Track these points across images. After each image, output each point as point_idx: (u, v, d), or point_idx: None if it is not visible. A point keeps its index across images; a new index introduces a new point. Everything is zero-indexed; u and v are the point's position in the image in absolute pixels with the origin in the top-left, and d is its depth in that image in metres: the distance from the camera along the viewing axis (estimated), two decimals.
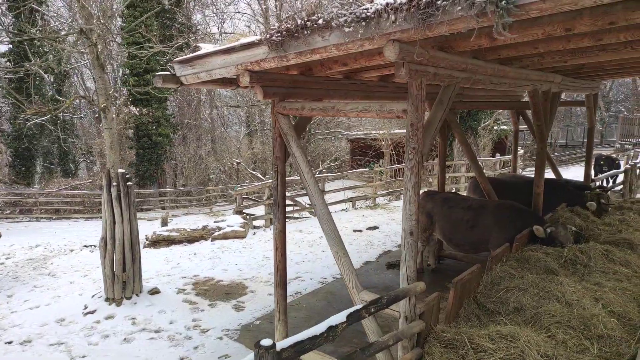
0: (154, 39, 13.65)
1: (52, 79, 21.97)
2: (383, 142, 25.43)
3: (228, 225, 11.15)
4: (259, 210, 12.90)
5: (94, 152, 26.16)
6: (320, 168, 33.74)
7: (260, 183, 12.15)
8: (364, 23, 3.45)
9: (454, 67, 4.37)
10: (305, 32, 3.90)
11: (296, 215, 13.82)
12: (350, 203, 15.44)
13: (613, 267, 5.90)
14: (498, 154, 20.30)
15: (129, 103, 19.30)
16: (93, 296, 7.17)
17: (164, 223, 12.51)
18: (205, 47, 4.92)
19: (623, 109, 38.76)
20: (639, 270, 5.90)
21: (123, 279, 6.96)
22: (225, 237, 10.95)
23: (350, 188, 15.07)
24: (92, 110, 20.44)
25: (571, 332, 4.41)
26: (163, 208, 21.48)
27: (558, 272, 5.68)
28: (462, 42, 4.10)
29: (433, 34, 3.37)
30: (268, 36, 4.13)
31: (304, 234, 11.43)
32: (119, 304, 6.86)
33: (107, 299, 6.92)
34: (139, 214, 21.03)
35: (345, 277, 4.70)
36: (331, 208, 15.26)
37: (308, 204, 14.75)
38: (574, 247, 6.18)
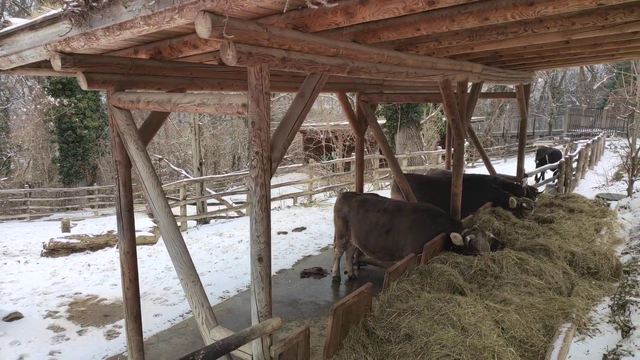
0: None
1: None
2: (330, 135, 24.69)
3: (136, 230, 10.03)
4: (178, 210, 11.82)
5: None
6: None
7: (174, 182, 11.06)
8: None
9: (318, 51, 3.53)
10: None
11: (223, 214, 12.82)
12: (292, 199, 14.58)
13: (525, 278, 5.31)
14: (440, 146, 19.93)
15: (46, 93, 17.56)
16: None
17: (65, 228, 11.25)
18: (15, 22, 3.87)
19: (575, 99, 39.64)
20: (552, 281, 5.33)
21: None
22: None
23: (283, 185, 14.17)
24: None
25: None
26: (92, 207, 19.94)
27: (462, 288, 5.03)
28: (316, 19, 3.25)
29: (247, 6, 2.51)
30: (65, 6, 3.15)
31: (222, 237, 10.48)
32: None
33: None
34: (58, 215, 19.49)
35: (194, 310, 3.82)
36: None
37: (235, 203, 13.79)
38: (486, 256, 5.58)
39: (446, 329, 4.14)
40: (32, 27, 3.59)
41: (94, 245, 9.98)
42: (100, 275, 8.07)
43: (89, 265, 8.73)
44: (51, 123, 19.46)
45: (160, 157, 16.15)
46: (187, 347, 5.57)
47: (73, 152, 19.70)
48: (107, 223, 17.13)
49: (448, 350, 3.85)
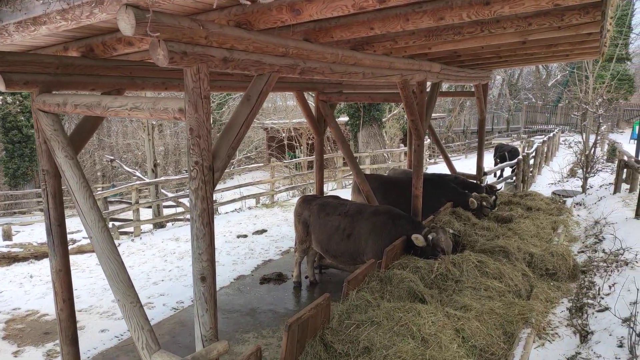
0: None
1: None
2: (293, 133, 24.39)
3: (84, 237, 9.46)
4: (131, 215, 11.23)
5: None
6: (239, 157, 32.10)
7: (126, 185, 10.48)
8: None
9: (265, 50, 3.25)
10: None
11: (180, 217, 12.32)
12: (254, 199, 14.20)
13: (485, 281, 5.24)
14: (402, 144, 20.02)
15: None
16: None
17: (7, 236, 10.50)
18: None
19: (531, 96, 40.86)
20: (511, 284, 5.29)
21: None
22: (80, 251, 9.28)
23: (244, 185, 13.78)
24: None
25: None
26: (42, 210, 18.84)
27: (422, 295, 4.90)
28: (260, 16, 2.98)
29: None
30: None
31: (179, 242, 10.03)
32: None
33: None
34: (10, 219, 18.34)
35: (133, 334, 3.48)
36: (223, 208, 13.89)
37: None
38: (447, 260, 5.48)
39: (406, 341, 3.99)
40: None
41: (38, 254, 9.32)
42: (43, 288, 7.51)
43: (31, 276, 8.12)
44: None
45: (112, 157, 15.35)
46: None
47: (19, 152, 18.52)
48: None
49: None
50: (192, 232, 3.02)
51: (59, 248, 3.91)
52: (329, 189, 15.92)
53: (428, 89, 7.08)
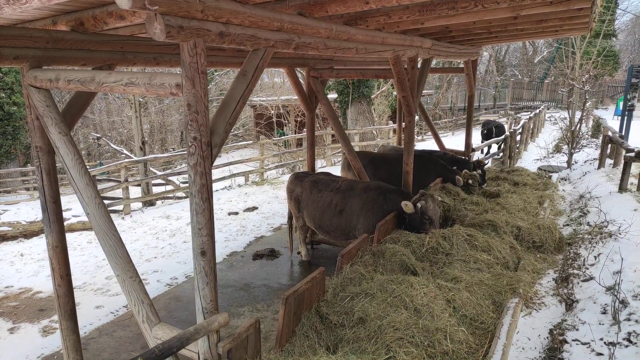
0: None
1: None
2: (281, 110, 24.23)
3: (74, 215, 9.41)
4: (120, 193, 11.16)
5: None
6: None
7: (115, 163, 10.37)
8: None
9: (260, 25, 3.23)
10: None
11: (170, 195, 12.28)
12: (244, 177, 14.19)
13: (475, 254, 5.39)
14: (391, 121, 20.04)
15: None
16: None
17: None
18: None
19: (517, 73, 40.98)
20: (499, 256, 5.44)
21: None
22: (70, 229, 9.23)
23: (233, 163, 13.74)
24: None
25: (414, 350, 3.70)
26: (27, 189, 18.60)
27: (414, 267, 5.04)
28: None
29: None
30: None
31: (170, 220, 10.03)
32: None
33: None
34: None
35: (133, 307, 3.54)
36: (213, 186, 13.96)
37: (182, 183, 13.26)
38: (437, 233, 5.61)
39: (399, 311, 4.11)
40: None
41: (27, 232, 9.27)
42: (34, 266, 7.50)
43: (22, 255, 8.09)
44: None
45: (99, 135, 15.12)
46: (132, 340, 5.28)
47: (1, 130, 18.11)
48: None
49: (401, 333, 3.82)
50: (191, 207, 3.05)
51: (55, 225, 3.90)
52: (318, 166, 15.95)
53: (419, 66, 7.09)
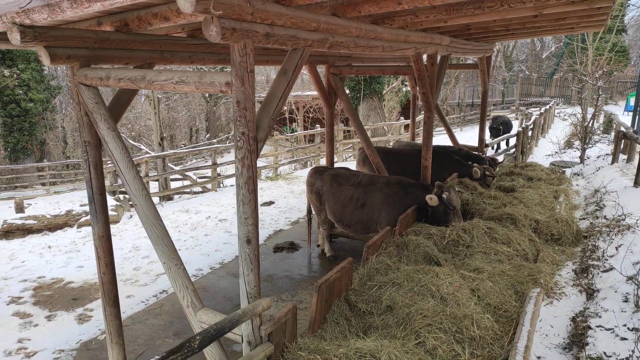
0: None
1: None
2: (293, 106, 24.40)
3: None
4: None
5: None
6: (233, 132, 31.98)
7: (136, 157, 10.60)
8: None
9: (300, 25, 3.41)
10: None
11: (187, 190, 12.51)
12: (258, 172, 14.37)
13: (495, 246, 5.56)
14: (402, 117, 20.15)
15: None
16: None
17: (20, 209, 10.65)
18: None
19: (524, 68, 40.84)
20: (519, 248, 5.61)
21: None
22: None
23: None
24: None
25: (442, 336, 3.88)
26: (43, 184, 18.92)
27: (437, 259, 5.21)
28: None
29: None
30: None
31: (189, 214, 10.26)
32: None
33: None
34: (6, 194, 18.42)
35: (178, 293, 3.74)
36: (229, 181, 14.08)
37: (200, 178, 13.49)
38: (458, 227, 5.77)
39: (426, 300, 4.29)
40: None
41: (52, 225, 9.53)
42: (63, 258, 7.75)
43: (49, 247, 8.35)
44: None
45: None
46: (164, 327, 5.50)
47: (18, 126, 18.43)
48: (60, 201, 16.39)
49: (430, 320, 4.00)
50: (237, 198, 3.24)
51: (101, 216, 4.12)
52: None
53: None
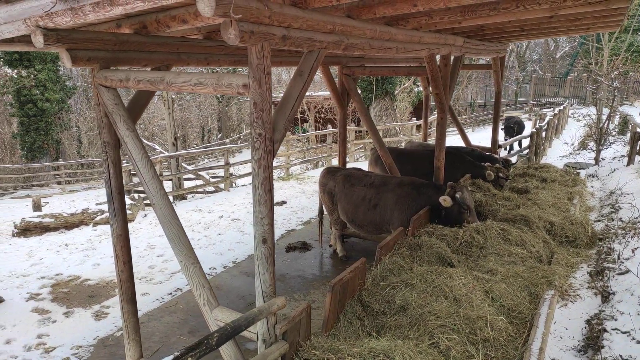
0: None
1: None
2: (304, 106, 24.45)
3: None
4: None
5: None
6: (244, 132, 32.21)
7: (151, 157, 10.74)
8: None
9: (316, 28, 3.45)
10: None
11: (200, 190, 12.63)
12: None
13: (508, 248, 5.54)
14: (414, 117, 20.09)
15: (1, 63, 16.44)
16: None
17: (37, 207, 10.84)
18: None
19: (538, 68, 40.43)
20: (533, 250, 5.58)
21: None
22: (109, 221, 9.59)
23: None
24: None
25: (456, 337, 3.89)
26: (59, 183, 19.22)
27: (451, 260, 5.21)
28: None
29: None
30: None
31: (202, 213, 10.37)
32: None
33: None
34: (22, 192, 18.75)
35: (194, 291, 3.81)
36: (241, 181, 14.18)
37: (213, 178, 13.60)
38: (471, 228, 5.76)
39: (439, 301, 4.30)
40: (7, 0, 3.34)
41: (68, 224, 9.69)
42: (80, 255, 7.88)
43: (66, 245, 8.50)
44: (9, 96, 18.37)
45: None
46: (179, 325, 5.58)
47: (35, 126, 18.75)
48: (75, 200, 16.66)
49: (443, 321, 4.01)
50: (254, 198, 3.29)
51: (119, 214, 4.20)
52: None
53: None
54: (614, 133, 12.12)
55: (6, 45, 4.21)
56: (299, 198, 11.45)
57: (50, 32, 3.41)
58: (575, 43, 34.69)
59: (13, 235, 9.67)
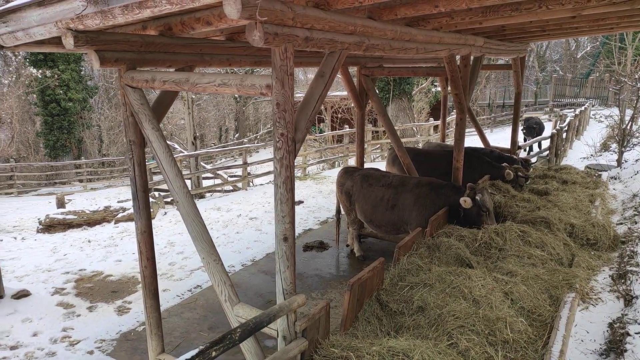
0: None
1: None
2: (322, 106, 24.49)
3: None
4: None
5: None
6: (261, 132, 32.44)
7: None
8: None
9: (337, 29, 3.49)
10: None
11: (218, 189, 12.78)
12: None
13: (528, 250, 5.49)
14: (432, 118, 19.97)
15: (27, 64, 16.89)
16: None
17: (60, 204, 11.12)
18: None
19: (558, 68, 39.76)
20: (553, 252, 5.53)
21: None
22: (130, 218, 9.81)
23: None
24: None
25: (475, 338, 3.88)
26: (80, 181, 19.64)
27: (470, 261, 5.20)
28: None
29: None
30: None
31: (221, 212, 10.49)
32: None
33: None
34: (46, 189, 19.21)
35: (216, 288, 3.89)
36: (258, 180, 14.30)
37: (231, 177, 13.75)
38: (490, 229, 5.73)
39: (458, 301, 4.29)
40: (40, 3, 3.46)
41: (91, 221, 9.92)
42: (102, 252, 8.07)
43: (89, 241, 8.70)
44: (33, 95, 18.85)
45: None
46: (200, 321, 5.68)
47: (58, 125, 19.21)
48: (97, 197, 17.01)
49: (462, 322, 4.00)
50: (275, 197, 3.35)
51: (144, 212, 4.30)
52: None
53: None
54: (637, 134, 11.87)
55: (36, 46, 4.34)
56: (316, 198, 11.51)
57: (80, 34, 3.52)
58: (597, 43, 34.02)
59: (38, 232, 9.95)
